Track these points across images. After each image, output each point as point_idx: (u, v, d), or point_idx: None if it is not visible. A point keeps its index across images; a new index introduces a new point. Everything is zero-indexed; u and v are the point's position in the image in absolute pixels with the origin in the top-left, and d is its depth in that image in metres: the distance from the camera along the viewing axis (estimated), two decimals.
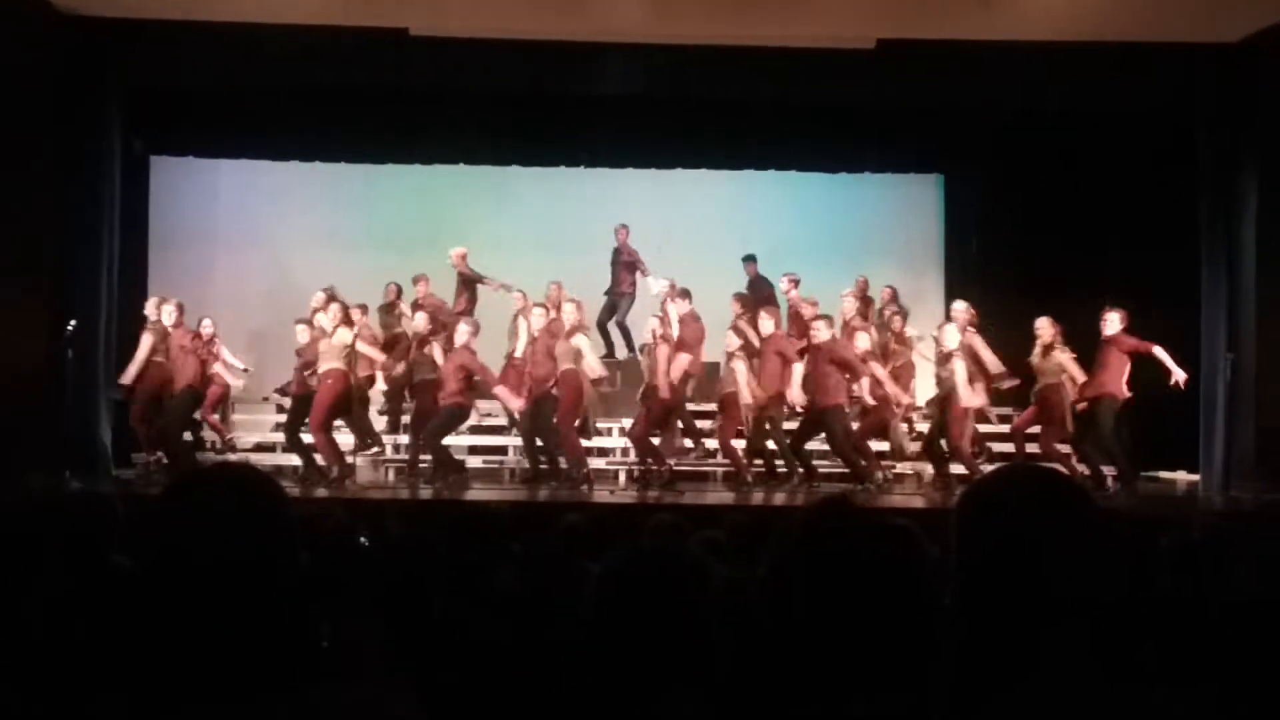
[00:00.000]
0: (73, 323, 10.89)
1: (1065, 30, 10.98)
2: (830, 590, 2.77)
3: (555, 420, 10.94)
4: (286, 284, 13.61)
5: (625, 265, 13.63)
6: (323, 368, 10.88)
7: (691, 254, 13.80)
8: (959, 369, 10.70)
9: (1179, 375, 10.61)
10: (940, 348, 11.03)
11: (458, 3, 10.69)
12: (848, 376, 10.87)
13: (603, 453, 12.36)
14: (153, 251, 13.77)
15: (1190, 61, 11.42)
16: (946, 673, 1.83)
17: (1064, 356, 11.02)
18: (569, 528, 5.10)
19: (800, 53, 11.49)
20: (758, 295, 12.81)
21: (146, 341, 11.09)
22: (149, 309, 11.46)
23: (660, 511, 7.38)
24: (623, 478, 11.79)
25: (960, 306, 11.57)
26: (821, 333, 10.94)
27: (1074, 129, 12.98)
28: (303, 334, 11.44)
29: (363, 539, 4.19)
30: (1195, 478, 11.85)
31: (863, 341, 11.22)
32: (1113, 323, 10.82)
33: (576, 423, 11.16)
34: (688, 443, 11.93)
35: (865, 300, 12.84)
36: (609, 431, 12.42)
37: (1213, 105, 11.59)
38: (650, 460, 11.32)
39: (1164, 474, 12.41)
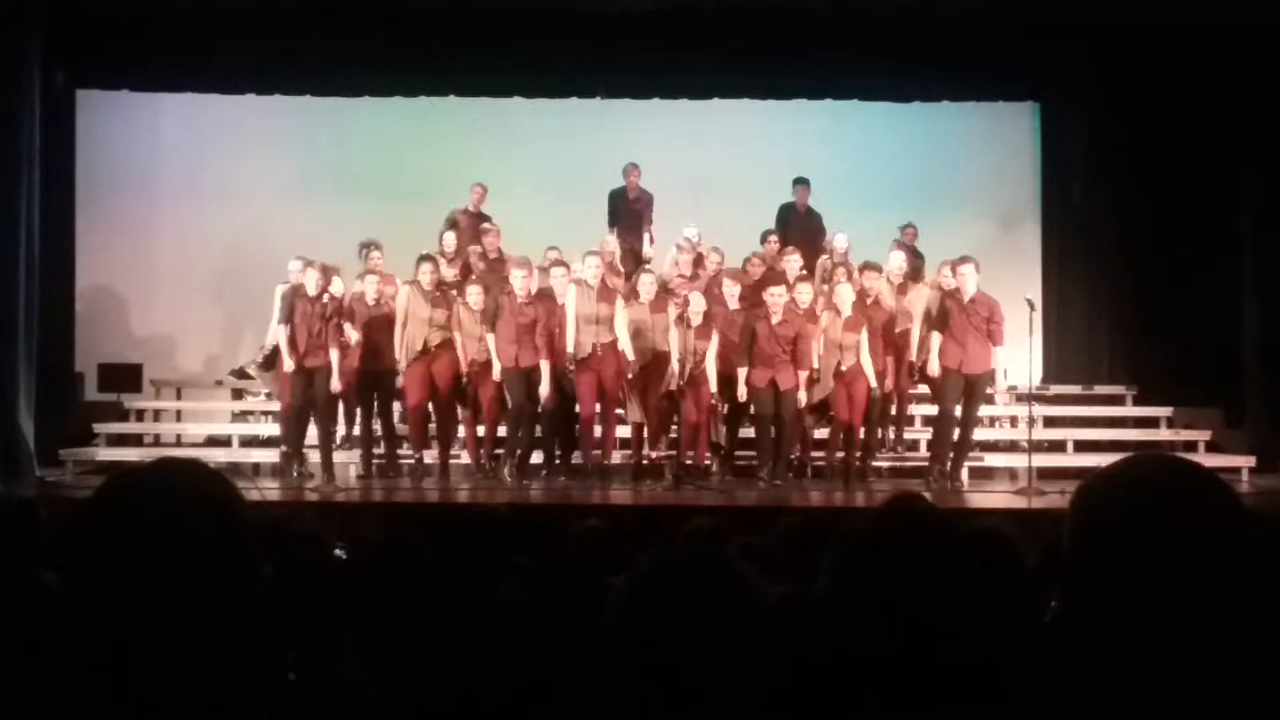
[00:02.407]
0: None
1: None
2: (906, 607, 2.76)
3: None
4: (242, 238, 13.61)
5: (635, 213, 13.57)
6: None
7: (728, 202, 13.76)
8: None
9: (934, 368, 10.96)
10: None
11: None
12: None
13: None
14: (80, 201, 13.80)
15: None
16: (1046, 701, 1.84)
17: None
18: (586, 534, 5.10)
19: None
20: (809, 229, 13.21)
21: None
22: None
23: (696, 514, 7.39)
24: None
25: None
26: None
27: (1198, 48, 12.82)
28: None
29: (339, 550, 4.19)
30: None
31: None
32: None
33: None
34: None
35: (914, 254, 12.76)
36: None
37: None
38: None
39: None
